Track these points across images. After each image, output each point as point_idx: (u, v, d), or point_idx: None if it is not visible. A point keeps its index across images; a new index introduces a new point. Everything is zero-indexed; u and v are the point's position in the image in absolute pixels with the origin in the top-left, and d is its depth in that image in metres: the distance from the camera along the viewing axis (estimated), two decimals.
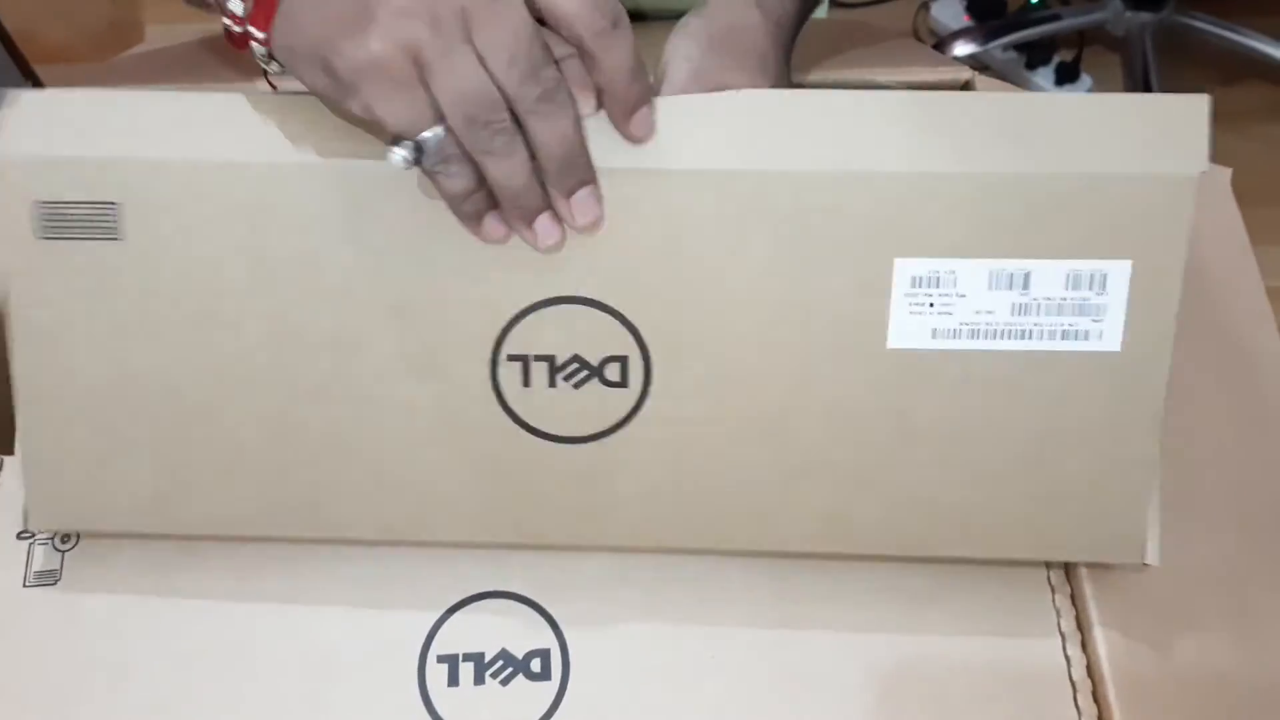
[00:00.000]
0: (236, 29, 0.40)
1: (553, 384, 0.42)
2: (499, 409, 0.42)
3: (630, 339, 0.42)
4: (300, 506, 0.44)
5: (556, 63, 0.38)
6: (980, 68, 1.45)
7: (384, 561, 0.45)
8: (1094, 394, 0.41)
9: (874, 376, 0.41)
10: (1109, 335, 0.41)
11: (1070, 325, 0.41)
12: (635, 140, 0.40)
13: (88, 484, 0.43)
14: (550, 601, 0.44)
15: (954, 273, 0.40)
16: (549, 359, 0.42)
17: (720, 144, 0.41)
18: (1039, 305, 0.41)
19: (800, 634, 0.43)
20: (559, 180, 0.39)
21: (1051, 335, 0.41)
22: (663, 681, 0.43)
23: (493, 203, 0.40)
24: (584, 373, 0.42)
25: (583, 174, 0.40)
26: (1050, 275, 0.40)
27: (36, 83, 0.63)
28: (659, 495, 0.43)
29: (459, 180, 0.39)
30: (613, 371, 0.42)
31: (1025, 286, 0.40)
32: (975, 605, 0.43)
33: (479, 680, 0.43)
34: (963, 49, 1.41)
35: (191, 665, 0.43)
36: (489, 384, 0.42)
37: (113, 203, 0.41)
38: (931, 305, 0.41)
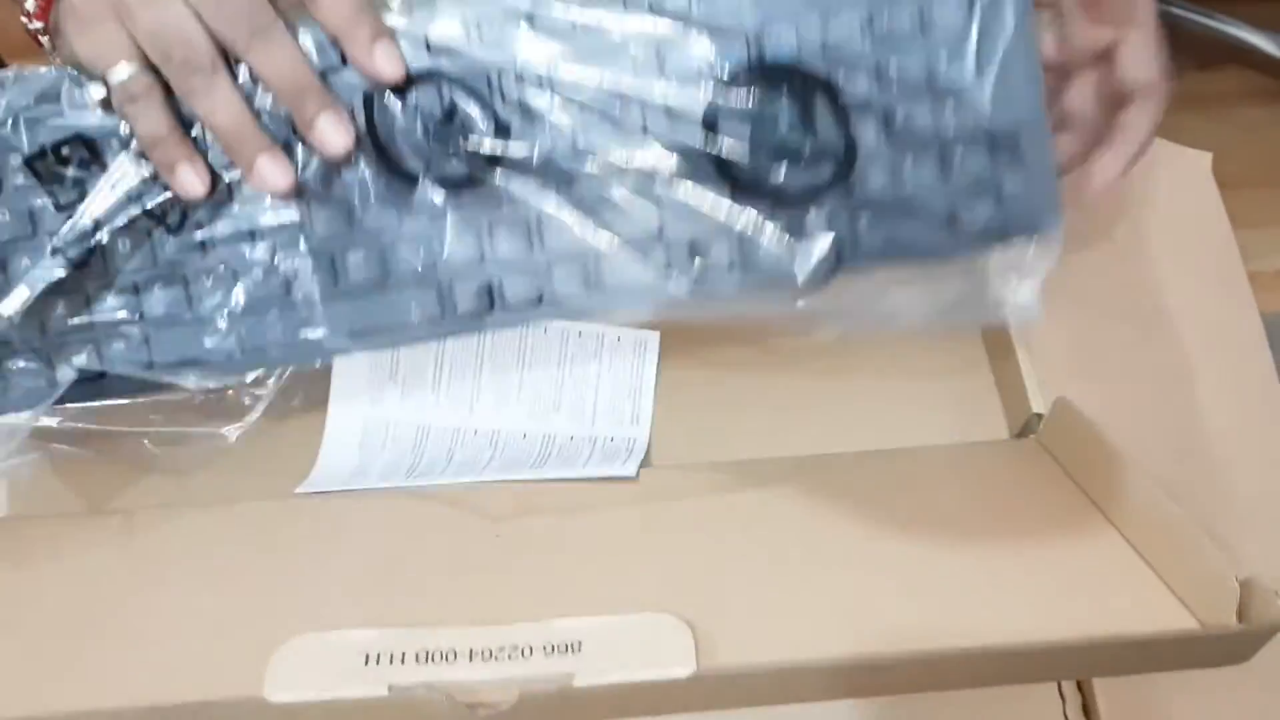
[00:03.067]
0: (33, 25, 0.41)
1: None
2: None
3: None
4: None
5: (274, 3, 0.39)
6: None
7: None
8: None
9: None
10: None
11: None
12: (386, 80, 0.41)
13: None
14: None
15: None
16: None
17: None
18: None
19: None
20: (297, 112, 0.40)
21: None
22: None
23: (191, 153, 0.40)
24: None
25: (319, 101, 0.40)
26: None
27: None
28: None
29: (146, 123, 0.39)
30: None
31: None
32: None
33: None
34: None
35: None
36: None
37: None
38: None
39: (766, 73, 0.41)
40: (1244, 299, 0.48)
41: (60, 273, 0.42)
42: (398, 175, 0.43)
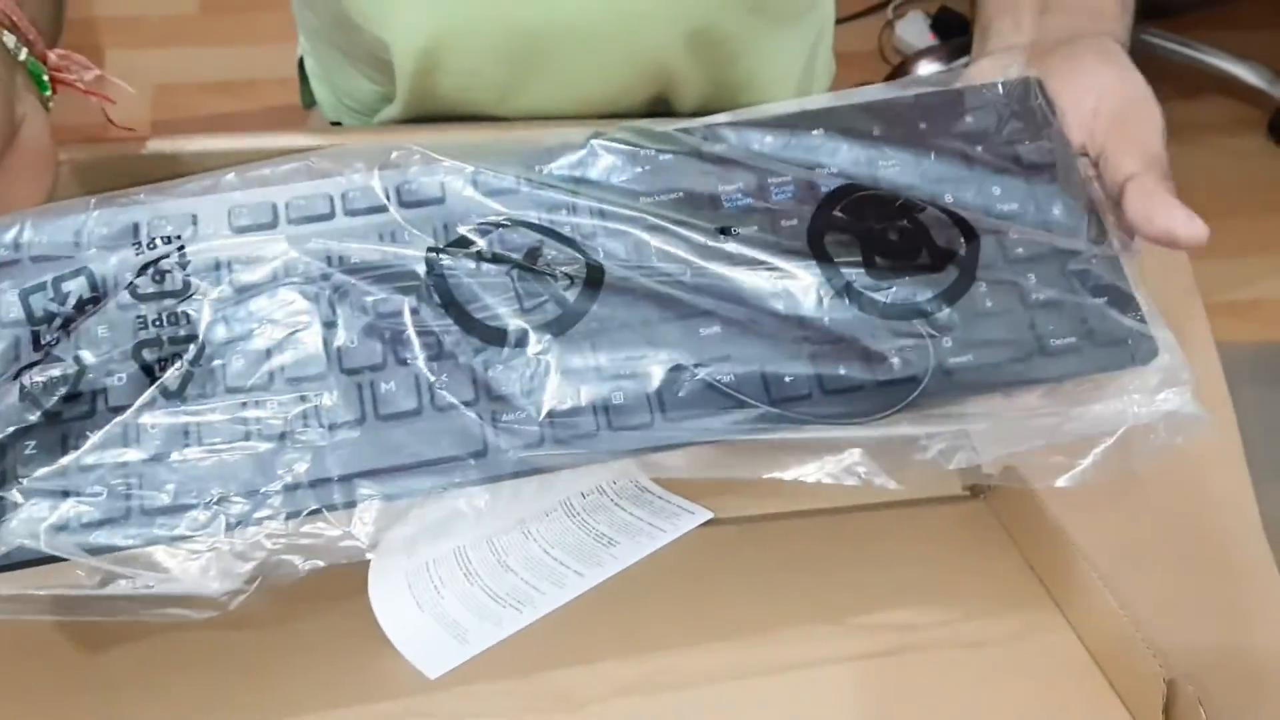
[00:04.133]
0: None
1: None
2: None
3: None
4: None
5: None
6: None
7: None
8: None
9: None
10: None
11: None
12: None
13: None
14: None
15: None
16: None
17: None
18: None
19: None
20: None
21: None
22: None
23: None
24: None
25: None
26: None
27: None
28: None
29: None
30: None
31: None
32: None
33: None
34: (927, 68, 1.43)
35: None
36: None
37: None
38: None
39: (869, 198, 0.42)
40: (1204, 340, 0.48)
41: (25, 414, 0.37)
42: (481, 333, 0.39)
